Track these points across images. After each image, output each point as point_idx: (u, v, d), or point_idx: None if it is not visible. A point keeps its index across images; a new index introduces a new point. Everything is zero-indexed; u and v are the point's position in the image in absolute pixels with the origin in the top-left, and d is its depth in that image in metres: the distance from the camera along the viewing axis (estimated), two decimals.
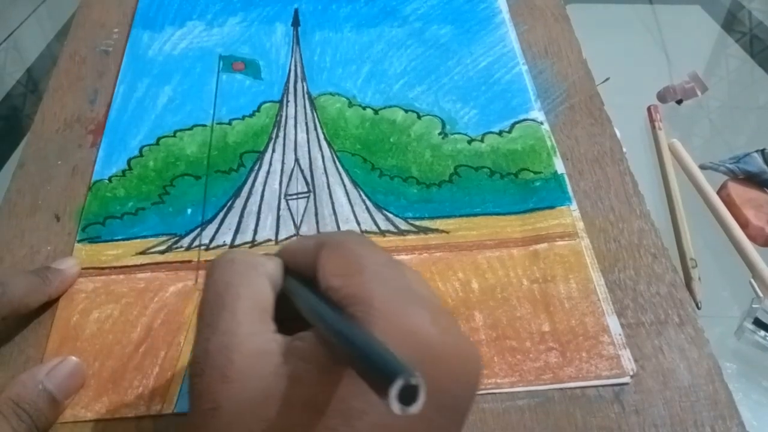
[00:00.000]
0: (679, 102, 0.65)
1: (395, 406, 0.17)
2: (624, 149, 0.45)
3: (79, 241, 0.40)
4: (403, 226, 0.41)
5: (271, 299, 0.26)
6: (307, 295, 0.26)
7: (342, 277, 0.24)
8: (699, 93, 0.64)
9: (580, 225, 0.41)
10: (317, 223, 0.41)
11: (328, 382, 0.22)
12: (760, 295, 0.46)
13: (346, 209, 0.42)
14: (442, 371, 0.22)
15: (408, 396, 0.17)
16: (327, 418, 0.21)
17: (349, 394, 0.21)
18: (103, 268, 0.39)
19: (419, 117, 0.48)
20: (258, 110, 0.48)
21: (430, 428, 0.22)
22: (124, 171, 0.44)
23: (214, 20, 0.56)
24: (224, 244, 0.40)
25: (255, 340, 0.24)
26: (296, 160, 0.45)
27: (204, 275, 0.27)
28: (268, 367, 0.23)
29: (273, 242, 0.40)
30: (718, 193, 0.54)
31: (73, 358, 0.34)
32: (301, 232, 0.41)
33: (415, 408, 0.17)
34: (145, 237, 0.41)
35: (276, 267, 0.28)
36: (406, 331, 0.22)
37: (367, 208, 0.42)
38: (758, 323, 0.45)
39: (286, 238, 0.41)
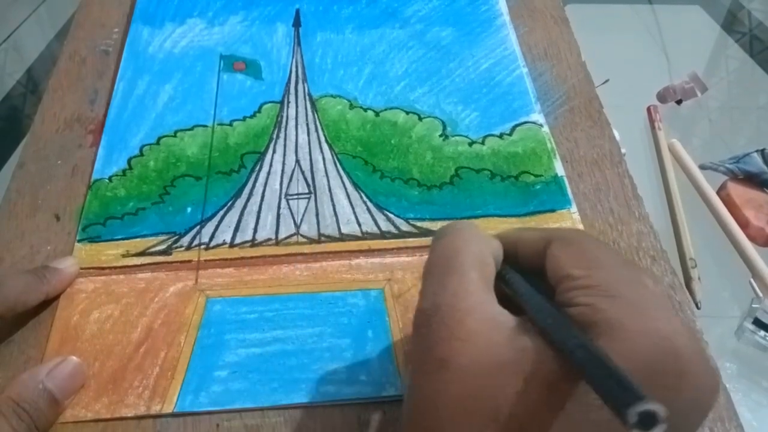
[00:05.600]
0: (679, 102, 0.65)
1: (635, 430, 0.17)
2: (623, 150, 0.45)
3: (79, 241, 0.40)
4: (405, 227, 0.41)
5: (493, 274, 0.26)
6: (531, 292, 0.25)
7: (582, 269, 0.24)
8: (699, 93, 0.64)
9: (580, 228, 0.41)
10: (318, 223, 0.41)
11: (563, 365, 0.22)
12: (760, 295, 0.46)
13: (347, 211, 0.42)
14: (688, 382, 0.21)
15: (645, 420, 0.17)
16: (564, 400, 0.21)
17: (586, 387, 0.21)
18: (103, 268, 0.39)
19: (420, 119, 0.48)
20: (259, 111, 0.48)
21: None
22: (124, 170, 0.44)
23: (215, 18, 0.56)
24: (224, 243, 0.40)
25: (485, 307, 0.24)
26: (297, 161, 0.45)
27: (431, 241, 0.28)
28: (500, 336, 0.23)
29: (273, 241, 0.40)
30: (718, 193, 0.54)
31: (74, 358, 0.34)
32: (301, 232, 0.41)
33: None
34: (145, 236, 0.41)
35: (498, 247, 0.28)
36: (661, 335, 0.21)
37: (369, 210, 0.42)
38: (758, 323, 0.45)
39: (286, 237, 0.41)
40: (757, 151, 0.54)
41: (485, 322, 0.23)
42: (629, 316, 0.22)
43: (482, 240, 0.27)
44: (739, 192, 0.53)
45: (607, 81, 0.52)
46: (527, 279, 0.26)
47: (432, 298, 0.25)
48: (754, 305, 0.46)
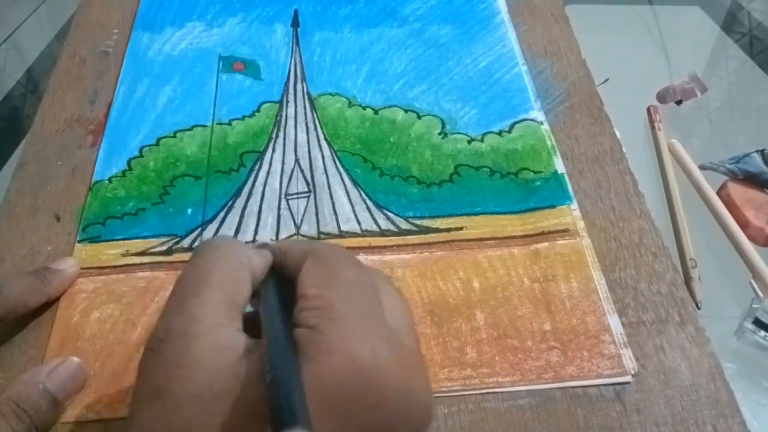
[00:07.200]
0: (679, 102, 0.65)
1: None
2: (624, 149, 0.45)
3: (79, 241, 0.40)
4: (404, 225, 0.41)
5: (246, 294, 0.26)
6: (273, 311, 0.25)
7: (318, 287, 0.24)
8: (698, 93, 0.64)
9: (581, 224, 0.41)
10: (318, 222, 0.41)
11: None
12: (760, 295, 0.46)
13: (346, 209, 0.42)
14: (375, 402, 0.22)
15: None
16: (264, 427, 0.21)
17: None
18: (103, 268, 0.39)
19: (419, 117, 0.48)
20: (258, 110, 0.48)
21: None
22: (124, 171, 0.44)
23: (213, 21, 0.56)
24: None
25: (218, 332, 0.23)
26: (296, 160, 0.45)
27: (191, 255, 0.27)
28: (224, 364, 0.23)
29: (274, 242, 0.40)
30: (718, 193, 0.53)
31: (74, 358, 0.33)
32: (301, 232, 0.41)
33: None
34: (145, 237, 0.41)
35: (262, 263, 0.28)
36: (348, 355, 0.22)
37: (368, 208, 0.42)
38: (758, 323, 0.45)
39: (287, 238, 0.40)
40: (757, 151, 0.54)
41: (212, 349, 0.23)
42: (339, 341, 0.22)
43: (241, 258, 0.27)
44: (739, 192, 0.53)
45: (606, 80, 0.52)
46: (285, 295, 0.26)
47: (167, 322, 0.24)
48: (754, 305, 0.45)
